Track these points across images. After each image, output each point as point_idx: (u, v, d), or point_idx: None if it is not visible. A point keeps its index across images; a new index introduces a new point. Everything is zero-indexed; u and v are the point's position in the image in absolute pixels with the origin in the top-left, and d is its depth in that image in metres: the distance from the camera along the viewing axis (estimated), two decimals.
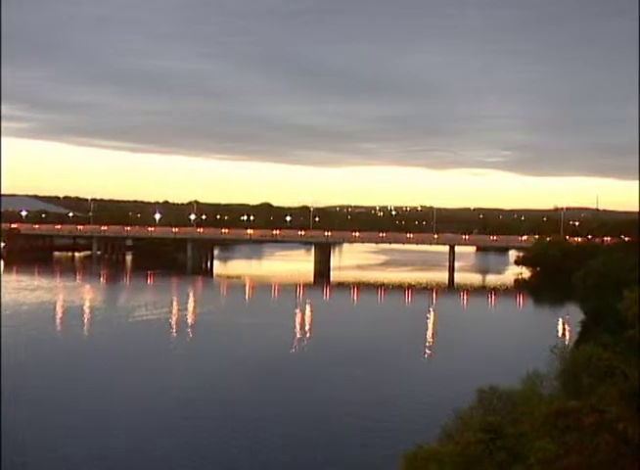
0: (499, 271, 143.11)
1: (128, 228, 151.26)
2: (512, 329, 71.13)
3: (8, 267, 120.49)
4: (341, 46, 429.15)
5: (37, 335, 58.69)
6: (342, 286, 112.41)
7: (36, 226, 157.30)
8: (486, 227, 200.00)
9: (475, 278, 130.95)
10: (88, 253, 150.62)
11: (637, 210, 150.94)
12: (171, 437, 34.10)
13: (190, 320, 70.93)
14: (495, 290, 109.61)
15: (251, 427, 35.51)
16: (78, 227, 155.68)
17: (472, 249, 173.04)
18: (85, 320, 68.84)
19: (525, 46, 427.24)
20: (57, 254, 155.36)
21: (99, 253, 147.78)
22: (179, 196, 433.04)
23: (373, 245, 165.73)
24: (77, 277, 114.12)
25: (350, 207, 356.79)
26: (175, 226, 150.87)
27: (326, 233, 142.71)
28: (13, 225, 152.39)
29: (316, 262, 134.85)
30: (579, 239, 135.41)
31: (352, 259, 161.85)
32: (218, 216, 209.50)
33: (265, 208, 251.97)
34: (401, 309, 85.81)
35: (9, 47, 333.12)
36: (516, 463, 18.92)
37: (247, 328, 66.15)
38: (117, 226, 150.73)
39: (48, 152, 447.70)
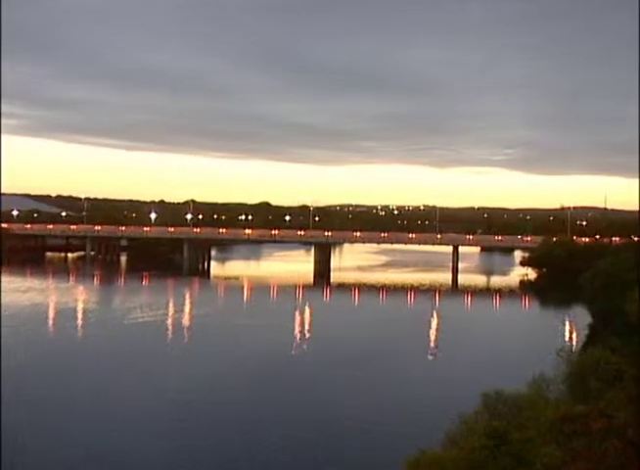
0: (504, 272, 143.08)
1: (123, 228, 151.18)
2: (517, 331, 71.12)
3: None
4: (341, 42, 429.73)
5: (30, 337, 58.63)
6: (343, 287, 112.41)
7: (28, 226, 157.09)
8: (491, 227, 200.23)
9: (479, 279, 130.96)
10: (81, 253, 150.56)
11: None
12: (169, 439, 34.16)
13: (186, 322, 70.90)
14: (500, 291, 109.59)
15: (250, 429, 35.51)
16: (71, 227, 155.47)
17: (476, 249, 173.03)
18: (79, 322, 68.81)
19: (528, 40, 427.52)
20: (49, 254, 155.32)
21: (92, 253, 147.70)
22: (175, 195, 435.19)
23: (374, 245, 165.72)
24: (70, 278, 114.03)
25: (351, 206, 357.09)
26: (171, 226, 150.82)
27: (326, 233, 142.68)
28: (3, 225, 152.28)
29: (316, 263, 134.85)
30: (587, 239, 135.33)
31: (353, 260, 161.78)
32: (215, 216, 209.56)
33: (264, 207, 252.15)
34: (403, 311, 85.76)
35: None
36: (521, 469, 18.92)
37: (245, 330, 66.14)
38: (112, 226, 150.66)
39: (40, 149, 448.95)
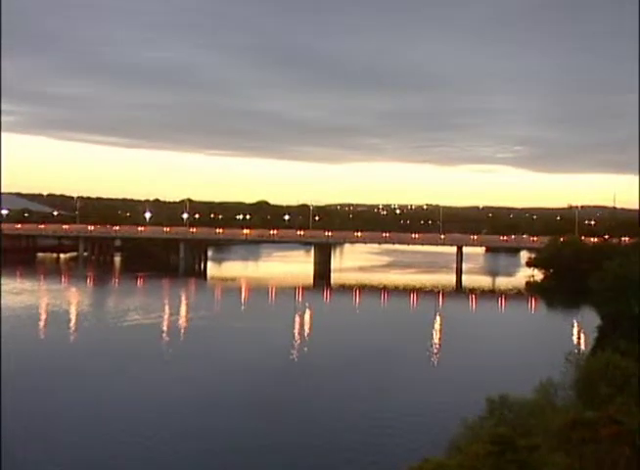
0: (509, 273, 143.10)
1: (117, 228, 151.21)
2: (523, 334, 71.06)
3: None
4: (341, 37, 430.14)
5: (19, 341, 58.53)
6: (344, 289, 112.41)
7: (18, 226, 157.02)
8: (496, 227, 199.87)
9: (484, 281, 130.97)
10: (74, 254, 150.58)
11: None
12: (162, 445, 34.06)
13: (182, 325, 70.82)
14: (505, 293, 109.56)
15: (246, 436, 35.44)
16: (63, 227, 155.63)
17: (480, 250, 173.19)
18: (71, 326, 68.69)
19: (535, 35, 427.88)
20: (40, 255, 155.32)
21: (85, 254, 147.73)
22: (171, 194, 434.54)
23: (376, 245, 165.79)
24: (63, 280, 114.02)
25: (352, 205, 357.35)
26: (167, 226, 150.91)
27: (326, 233, 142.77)
28: None
29: (316, 264, 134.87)
30: (595, 239, 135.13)
31: (354, 261, 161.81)
32: (212, 215, 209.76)
33: (262, 206, 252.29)
34: (406, 314, 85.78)
35: None
36: None
37: (242, 334, 66.09)
38: (105, 226, 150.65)
39: (31, 147, 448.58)
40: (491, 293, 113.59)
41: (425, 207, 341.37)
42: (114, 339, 62.44)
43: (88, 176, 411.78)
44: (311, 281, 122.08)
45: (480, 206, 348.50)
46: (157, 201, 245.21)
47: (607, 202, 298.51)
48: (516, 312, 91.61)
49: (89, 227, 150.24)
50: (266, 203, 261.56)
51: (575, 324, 73.94)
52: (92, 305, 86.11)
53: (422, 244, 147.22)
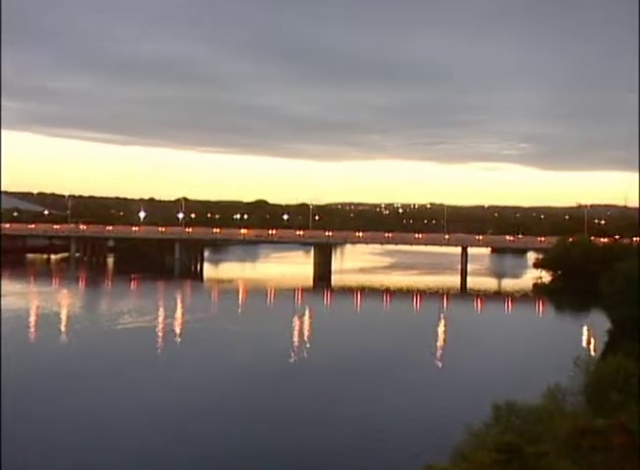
0: (516, 275, 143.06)
1: (110, 228, 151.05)
2: (530, 338, 70.96)
3: None
4: (341, 31, 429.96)
5: (10, 344, 58.44)
6: (345, 291, 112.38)
7: (7, 225, 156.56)
8: (502, 227, 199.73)
9: (489, 282, 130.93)
10: (65, 255, 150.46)
11: None
12: (160, 449, 34.09)
13: (177, 329, 70.72)
14: (512, 295, 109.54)
15: (243, 442, 35.41)
16: (54, 227, 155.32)
17: (486, 250, 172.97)
18: (61, 329, 68.65)
19: (540, 29, 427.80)
20: (30, 256, 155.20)
21: (77, 255, 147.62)
22: (166, 192, 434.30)
23: (378, 246, 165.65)
24: (53, 282, 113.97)
25: (353, 204, 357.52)
26: (162, 226, 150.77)
27: (326, 233, 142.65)
28: None
29: (316, 265, 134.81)
30: (605, 239, 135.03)
31: (355, 262, 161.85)
32: (209, 215, 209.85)
33: (260, 205, 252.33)
34: (409, 317, 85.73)
35: None
36: None
37: (239, 337, 66.03)
38: (98, 225, 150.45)
39: (20, 143, 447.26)
40: (497, 295, 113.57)
41: (428, 206, 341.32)
42: (106, 342, 62.35)
43: (80, 174, 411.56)
44: (311, 283, 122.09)
45: (486, 205, 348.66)
46: (151, 200, 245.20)
47: (617, 200, 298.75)
48: (523, 315, 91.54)
49: (81, 227, 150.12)
50: (264, 202, 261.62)
51: (585, 327, 73.84)
52: (84, 307, 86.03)
53: (425, 244, 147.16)
